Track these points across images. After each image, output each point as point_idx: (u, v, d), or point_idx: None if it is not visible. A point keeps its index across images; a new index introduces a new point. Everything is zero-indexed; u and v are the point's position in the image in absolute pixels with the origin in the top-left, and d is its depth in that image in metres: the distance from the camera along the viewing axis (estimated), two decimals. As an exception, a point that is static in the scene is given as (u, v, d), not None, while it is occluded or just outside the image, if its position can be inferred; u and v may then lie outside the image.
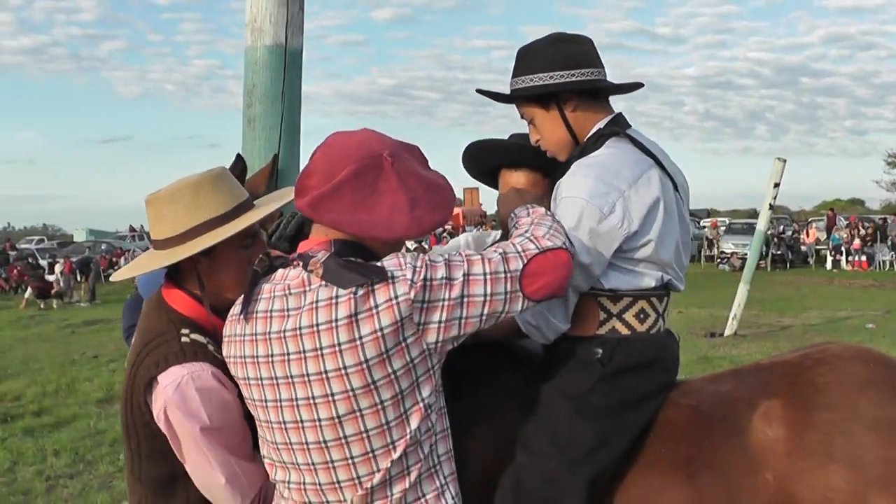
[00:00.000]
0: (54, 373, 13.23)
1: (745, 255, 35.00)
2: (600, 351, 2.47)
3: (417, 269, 2.11)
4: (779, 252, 34.86)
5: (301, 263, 2.19)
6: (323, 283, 2.12)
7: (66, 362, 14.57)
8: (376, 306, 2.08)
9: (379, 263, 2.14)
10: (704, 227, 41.59)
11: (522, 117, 2.68)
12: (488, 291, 2.14)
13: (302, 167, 2.28)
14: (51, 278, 29.32)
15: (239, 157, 3.00)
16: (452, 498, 2.26)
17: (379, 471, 2.16)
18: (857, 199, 78.41)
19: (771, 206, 15.34)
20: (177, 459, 2.44)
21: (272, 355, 2.18)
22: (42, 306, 26.49)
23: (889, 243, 33.83)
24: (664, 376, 2.56)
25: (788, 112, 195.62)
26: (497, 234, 3.09)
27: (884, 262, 33.05)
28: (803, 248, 36.39)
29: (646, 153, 2.51)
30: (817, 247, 35.95)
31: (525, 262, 2.16)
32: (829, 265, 33.59)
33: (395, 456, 2.15)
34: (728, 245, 35.54)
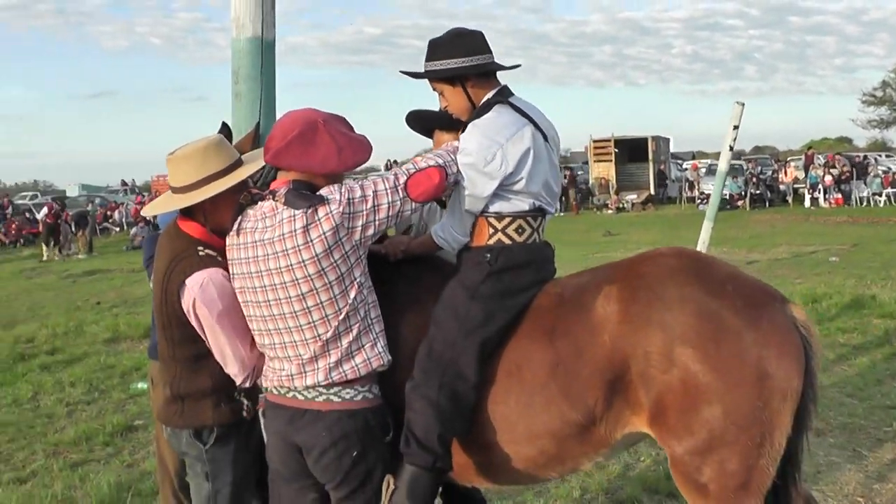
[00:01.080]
0: (62, 317, 14.27)
1: (724, 195, 36.05)
2: (489, 255, 3.47)
3: (342, 192, 3.22)
4: (758, 191, 35.79)
5: (271, 196, 3.28)
6: (285, 206, 3.19)
7: (71, 308, 15.63)
8: (319, 218, 3.16)
9: (319, 192, 3.22)
10: (686, 169, 42.50)
11: (434, 90, 3.65)
12: (389, 200, 3.26)
13: None
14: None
15: (224, 124, 3.92)
16: (383, 347, 3.34)
17: (331, 329, 3.23)
18: (845, 138, 78.77)
19: (731, 148, 16.22)
20: (201, 343, 3.48)
21: (256, 256, 3.26)
22: (47, 255, 27.49)
23: (865, 180, 34.68)
24: (538, 274, 3.54)
25: (777, 52, 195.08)
26: None
27: (861, 198, 33.89)
28: (782, 187, 37.16)
29: (523, 115, 3.48)
30: (795, 185, 36.63)
31: (407, 176, 3.31)
32: (807, 203, 34.47)
33: (341, 317, 3.23)
34: (708, 186, 36.21)
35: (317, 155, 3.24)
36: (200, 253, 3.45)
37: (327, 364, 3.25)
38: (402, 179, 3.30)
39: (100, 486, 6.21)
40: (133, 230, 33.49)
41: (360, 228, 3.23)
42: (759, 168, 38.94)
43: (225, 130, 3.85)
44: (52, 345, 12.04)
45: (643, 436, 3.41)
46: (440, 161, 3.37)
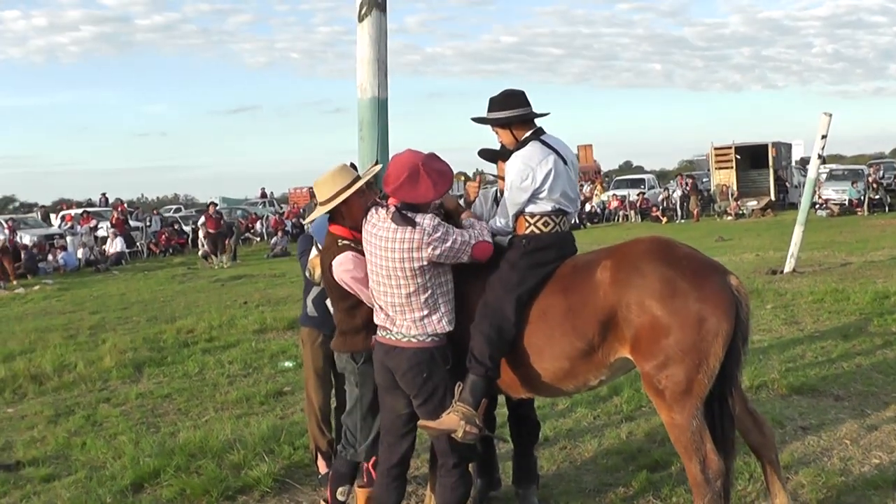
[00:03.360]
0: (215, 313, 16.60)
1: (843, 201, 36.56)
2: (524, 241, 5.31)
3: (433, 228, 5.00)
4: (877, 196, 36.19)
5: (387, 208, 5.13)
6: (392, 221, 5.05)
7: (222, 307, 17.97)
8: (412, 238, 4.98)
9: (417, 218, 5.03)
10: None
11: (493, 130, 5.52)
12: (460, 248, 5.11)
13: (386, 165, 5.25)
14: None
15: (351, 163, 5.83)
16: (448, 320, 5.18)
17: (422, 303, 5.09)
18: None
19: (820, 157, 17.51)
20: (353, 297, 5.44)
21: (372, 244, 5.15)
22: (217, 264, 30.00)
23: None
24: (559, 252, 5.33)
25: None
26: (495, 188, 5.93)
27: None
28: (902, 193, 37.35)
29: (549, 147, 5.28)
30: (920, 191, 36.62)
31: (476, 242, 5.18)
32: (931, 209, 34.60)
33: (422, 297, 5.08)
34: (828, 191, 36.70)
35: (420, 191, 5.05)
36: (339, 244, 5.42)
37: (411, 319, 5.11)
38: (472, 243, 5.16)
39: (261, 428, 8.23)
40: (273, 240, 36.09)
41: (435, 255, 5.04)
42: (883, 172, 39.15)
43: (351, 166, 5.78)
44: (210, 334, 14.33)
45: (627, 361, 5.14)
46: (487, 238, 5.28)
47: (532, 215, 5.34)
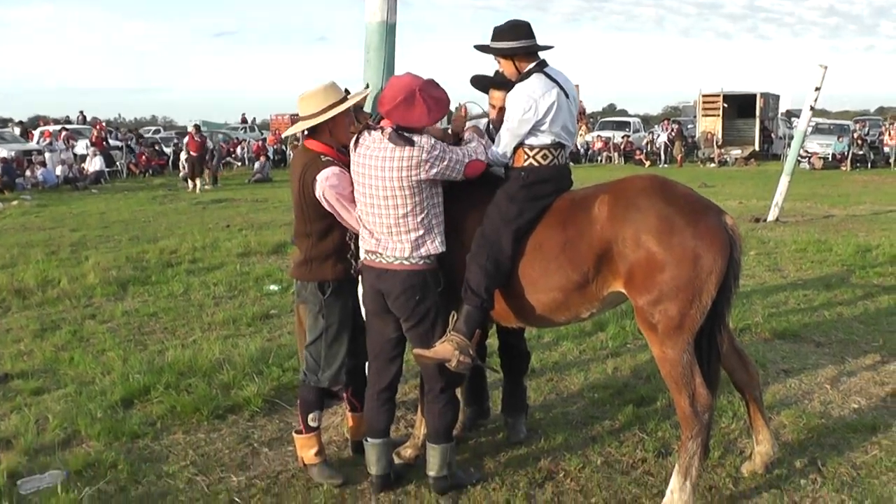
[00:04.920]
0: (199, 235, 16.64)
1: (827, 155, 36.82)
2: (523, 173, 5.33)
3: (431, 147, 5.05)
4: (861, 152, 36.39)
5: (381, 130, 5.16)
6: (389, 141, 5.08)
7: (205, 229, 17.98)
8: (411, 156, 5.03)
9: (414, 137, 5.08)
10: (793, 126, 43.05)
11: (496, 59, 5.51)
12: (454, 167, 5.16)
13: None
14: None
15: (345, 89, 5.72)
16: (442, 243, 5.26)
17: (417, 223, 5.15)
18: None
19: (812, 108, 17.62)
20: (329, 219, 5.43)
21: (366, 165, 5.15)
22: (199, 187, 29.57)
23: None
24: (557, 186, 5.38)
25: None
26: (485, 121, 5.96)
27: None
28: (886, 149, 37.63)
29: (552, 80, 5.31)
30: (900, 147, 36.91)
31: (468, 161, 5.22)
32: (912, 166, 34.92)
33: (422, 215, 5.15)
34: (813, 145, 36.81)
35: (414, 115, 5.08)
36: (323, 159, 5.40)
37: (406, 240, 5.16)
38: (466, 161, 5.21)
39: (250, 349, 8.35)
40: (255, 165, 35.87)
41: (432, 172, 5.10)
42: (868, 129, 39.32)
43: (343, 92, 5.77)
44: (193, 256, 14.36)
45: (622, 295, 5.25)
46: (481, 157, 5.31)
47: (531, 147, 5.37)
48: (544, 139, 5.35)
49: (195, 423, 6.67)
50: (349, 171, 5.35)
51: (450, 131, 5.58)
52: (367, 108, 5.93)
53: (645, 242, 4.96)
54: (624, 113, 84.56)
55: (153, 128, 61.25)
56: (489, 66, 5.68)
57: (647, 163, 40.39)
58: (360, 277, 5.54)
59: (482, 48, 5.50)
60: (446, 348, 5.22)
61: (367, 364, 5.66)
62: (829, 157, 36.72)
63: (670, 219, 4.97)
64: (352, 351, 5.72)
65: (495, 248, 5.26)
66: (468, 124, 5.62)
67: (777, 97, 45.77)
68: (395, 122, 5.12)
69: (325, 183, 5.32)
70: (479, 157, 5.29)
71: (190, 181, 30.07)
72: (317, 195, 5.38)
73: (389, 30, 5.91)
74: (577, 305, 5.33)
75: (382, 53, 5.91)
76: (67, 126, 40.55)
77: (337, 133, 5.46)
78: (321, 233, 5.52)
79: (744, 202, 21.96)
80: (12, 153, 33.14)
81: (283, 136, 7.98)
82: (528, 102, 5.25)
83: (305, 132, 5.61)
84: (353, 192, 5.34)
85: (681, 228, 4.94)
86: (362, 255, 5.42)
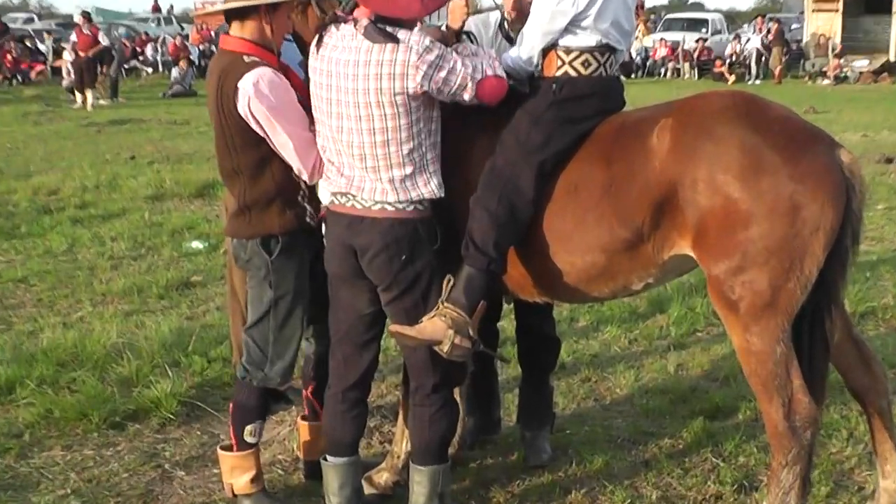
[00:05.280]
0: (90, 170, 16.66)
1: None
2: (555, 86, 5.27)
3: (424, 47, 4.82)
4: None
5: (354, 22, 5.04)
6: (364, 37, 4.95)
7: (99, 161, 18.05)
8: (393, 59, 4.81)
9: (400, 33, 4.84)
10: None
11: None
12: (457, 82, 4.97)
13: None
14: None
15: None
16: (439, 185, 5.15)
17: (404, 156, 5.02)
18: None
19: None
20: (263, 146, 5.31)
21: (332, 71, 5.01)
22: (90, 104, 29.32)
23: None
24: (602, 104, 5.33)
25: None
26: (497, 14, 5.95)
27: None
28: None
29: None
30: None
31: (483, 77, 5.04)
32: None
33: (410, 145, 5.05)
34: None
35: (400, 0, 4.91)
36: (246, 60, 5.27)
37: (388, 178, 5.08)
38: (478, 77, 5.01)
39: (161, 331, 8.31)
40: (173, 72, 35.56)
41: (425, 85, 4.89)
42: None
43: None
44: (82, 199, 14.40)
45: (688, 260, 5.26)
46: (501, 73, 5.16)
47: (568, 51, 5.32)
48: (586, 39, 5.31)
49: (80, 435, 6.65)
50: (285, 78, 5.28)
51: (443, 27, 5.52)
52: None
53: (723, 186, 4.92)
54: (699, 7, 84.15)
55: (23, 15, 60.50)
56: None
57: (731, 77, 40.11)
58: (322, 228, 5.50)
59: None
60: (437, 325, 5.11)
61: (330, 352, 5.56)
62: None
63: (759, 152, 4.92)
64: (318, 332, 5.69)
65: (511, 188, 5.23)
66: (470, 22, 5.62)
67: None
68: (374, 10, 5.01)
69: (251, 90, 5.15)
70: (497, 71, 5.16)
71: (78, 93, 29.94)
72: (239, 111, 5.23)
73: None
74: (625, 272, 5.34)
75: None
76: None
77: (278, 26, 5.37)
78: (254, 167, 5.40)
79: (870, 135, 21.91)
80: None
81: (212, 31, 7.84)
82: None
83: (226, 25, 5.49)
84: (294, 104, 5.29)
85: (774, 166, 4.88)
86: (327, 198, 5.35)
